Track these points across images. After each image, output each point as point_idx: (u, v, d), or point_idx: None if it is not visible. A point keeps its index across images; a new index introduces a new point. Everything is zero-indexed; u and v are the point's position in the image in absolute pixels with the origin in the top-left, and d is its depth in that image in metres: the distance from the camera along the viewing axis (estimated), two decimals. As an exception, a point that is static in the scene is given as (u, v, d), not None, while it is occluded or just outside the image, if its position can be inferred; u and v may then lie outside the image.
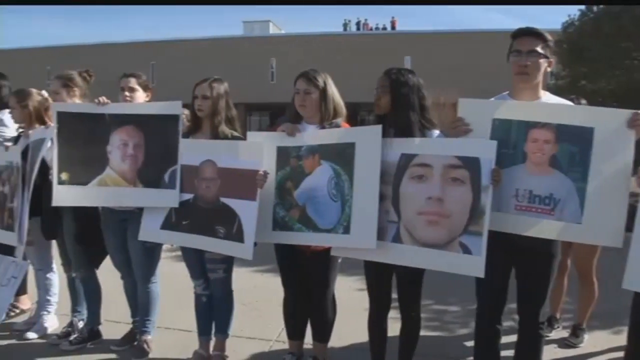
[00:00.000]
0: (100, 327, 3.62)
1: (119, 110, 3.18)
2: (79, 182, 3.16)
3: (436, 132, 2.66)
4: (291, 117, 2.94)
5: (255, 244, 2.84)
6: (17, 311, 4.06)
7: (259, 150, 2.84)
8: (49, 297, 3.79)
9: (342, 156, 2.68)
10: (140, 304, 3.40)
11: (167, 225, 3.09)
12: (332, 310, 3.07)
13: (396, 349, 2.89)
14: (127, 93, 3.27)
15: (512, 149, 2.44)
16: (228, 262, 3.13)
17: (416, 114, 2.62)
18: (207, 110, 3.04)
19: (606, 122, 2.35)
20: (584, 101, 3.68)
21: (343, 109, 2.93)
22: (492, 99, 2.65)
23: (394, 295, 2.86)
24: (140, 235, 3.14)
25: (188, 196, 3.04)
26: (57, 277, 3.84)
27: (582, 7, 17.81)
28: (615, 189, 2.33)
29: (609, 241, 2.40)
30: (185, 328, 3.65)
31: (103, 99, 3.16)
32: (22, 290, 3.97)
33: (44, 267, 3.76)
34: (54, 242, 3.70)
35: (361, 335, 3.11)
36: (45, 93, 3.62)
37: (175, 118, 3.08)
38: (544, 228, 2.41)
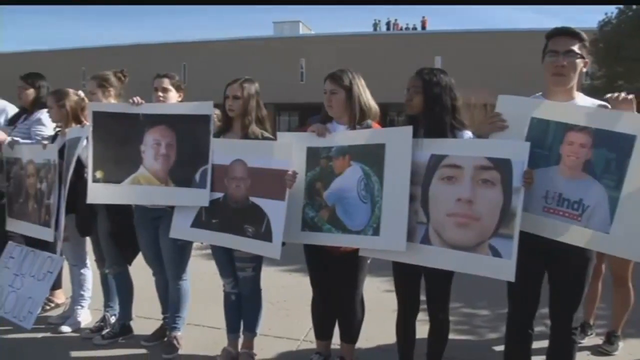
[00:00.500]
0: (132, 323, 3.69)
1: (153, 110, 3.23)
2: (113, 180, 3.22)
3: (467, 133, 2.62)
4: (322, 117, 2.95)
5: (283, 243, 2.86)
6: (52, 305, 4.17)
7: (288, 151, 2.85)
8: (82, 292, 3.89)
9: (372, 157, 2.66)
10: (171, 301, 3.45)
11: (198, 223, 3.13)
12: (360, 311, 3.06)
13: (424, 351, 2.87)
14: (160, 93, 3.32)
15: (548, 149, 2.39)
16: (257, 261, 3.15)
17: (448, 114, 2.60)
18: (238, 110, 3.06)
19: None
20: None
21: (373, 109, 2.90)
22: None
23: (423, 298, 2.83)
24: (171, 232, 3.18)
25: (218, 195, 3.08)
26: (91, 273, 3.93)
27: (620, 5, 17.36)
28: None
29: (637, 256, 2.34)
30: (215, 325, 3.69)
31: (137, 99, 3.22)
32: (57, 284, 4.09)
33: (78, 263, 3.86)
34: (88, 239, 3.79)
35: (389, 337, 3.10)
36: (81, 93, 3.71)
37: (206, 118, 3.12)
38: (569, 233, 2.35)
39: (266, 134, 3.09)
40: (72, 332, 3.73)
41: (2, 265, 3.91)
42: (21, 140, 3.92)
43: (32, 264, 3.71)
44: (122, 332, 3.61)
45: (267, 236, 2.87)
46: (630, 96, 2.30)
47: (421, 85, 2.61)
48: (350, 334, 3.09)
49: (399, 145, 2.58)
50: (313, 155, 2.84)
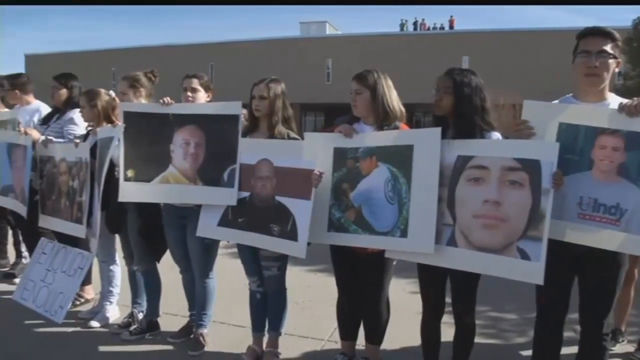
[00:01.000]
0: (159, 319, 3.74)
1: (182, 110, 3.27)
2: (143, 179, 3.27)
3: (495, 134, 2.59)
4: (349, 118, 2.94)
5: (308, 243, 2.86)
6: (82, 300, 4.26)
7: (314, 151, 2.86)
8: (111, 289, 3.96)
9: (399, 158, 2.65)
10: (197, 298, 3.49)
11: (224, 222, 3.16)
12: (385, 313, 3.05)
13: (449, 354, 2.84)
14: (189, 93, 3.35)
15: (578, 155, 2.34)
16: (282, 260, 3.17)
17: (478, 115, 2.56)
18: (264, 110, 3.08)
19: None
20: None
21: (398, 110, 2.87)
22: (556, 101, 2.56)
23: (448, 300, 2.80)
24: (198, 231, 3.22)
25: (244, 194, 3.10)
26: (120, 270, 4.00)
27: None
28: None
29: None
30: (240, 323, 3.71)
31: (167, 99, 3.26)
32: (87, 280, 4.17)
33: (108, 260, 3.92)
34: (117, 236, 3.85)
35: (414, 339, 3.08)
36: (112, 93, 3.78)
37: (235, 118, 3.14)
38: (608, 239, 2.29)
39: (292, 134, 3.10)
40: (100, 327, 3.79)
41: (34, 260, 4.03)
42: (54, 139, 4.01)
43: (64, 260, 3.81)
44: (149, 328, 3.66)
45: (292, 235, 2.88)
46: None
47: (451, 86, 2.58)
48: (375, 335, 3.08)
49: (428, 146, 2.56)
50: (340, 155, 2.83)
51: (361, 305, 3.06)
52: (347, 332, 3.18)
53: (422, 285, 2.83)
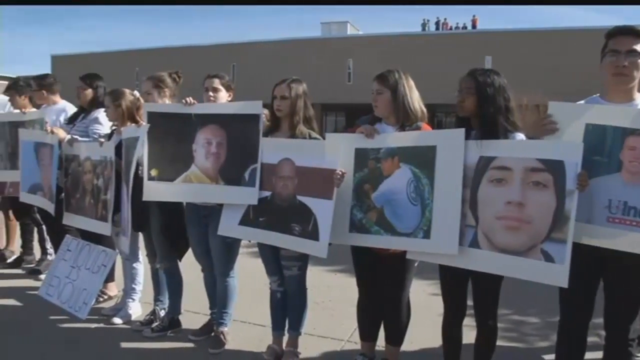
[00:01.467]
0: (180, 317, 3.78)
1: (204, 110, 3.29)
2: (166, 179, 3.30)
3: (520, 135, 2.55)
4: (371, 118, 2.93)
5: (330, 243, 2.85)
6: (105, 297, 4.32)
7: (336, 151, 2.85)
8: (134, 286, 4.01)
9: (422, 159, 2.63)
10: (219, 297, 3.51)
11: (245, 221, 3.18)
12: (406, 314, 3.03)
13: (470, 357, 2.81)
14: (211, 93, 3.38)
15: (607, 156, 2.29)
16: (303, 260, 3.17)
17: (502, 116, 2.53)
18: (286, 110, 3.09)
19: None
20: None
21: (419, 111, 2.84)
22: (582, 101, 2.51)
23: (470, 302, 2.78)
24: (220, 230, 3.24)
25: (266, 194, 3.11)
26: (143, 267, 4.05)
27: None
28: None
29: None
30: (260, 322, 3.74)
31: (190, 99, 3.29)
32: (110, 277, 4.23)
33: (131, 257, 3.97)
34: (140, 234, 3.89)
35: (434, 341, 3.06)
36: (137, 93, 3.82)
37: (256, 117, 3.16)
38: (639, 242, 2.24)
39: (314, 134, 3.10)
40: (123, 323, 3.85)
41: (59, 257, 4.10)
42: (79, 138, 4.08)
43: (88, 257, 3.88)
44: (171, 325, 3.70)
45: (314, 235, 2.88)
46: None
47: (474, 86, 2.55)
48: (396, 336, 3.07)
49: (451, 147, 2.54)
50: (361, 156, 2.83)
51: (382, 306, 3.04)
52: (367, 332, 3.17)
53: (443, 286, 2.81)
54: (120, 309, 3.98)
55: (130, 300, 3.99)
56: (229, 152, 3.22)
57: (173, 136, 3.32)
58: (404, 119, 2.81)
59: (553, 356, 2.70)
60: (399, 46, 28.74)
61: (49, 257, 5.03)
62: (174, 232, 3.57)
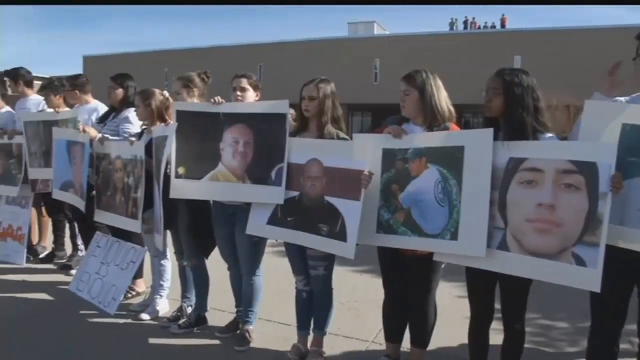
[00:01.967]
0: (207, 314, 3.81)
1: (232, 109, 3.32)
2: (194, 177, 3.34)
3: (551, 135, 2.50)
4: (399, 119, 2.91)
5: (357, 244, 2.84)
6: (134, 293, 4.39)
7: (364, 151, 2.85)
8: (162, 283, 4.07)
9: (450, 160, 2.60)
10: (245, 295, 3.53)
11: (273, 221, 3.19)
12: (433, 316, 3.00)
13: (498, 361, 2.78)
14: (239, 93, 3.40)
15: None
16: (329, 260, 3.17)
17: (531, 116, 2.48)
18: (314, 110, 3.09)
19: None
20: None
21: (447, 111, 2.81)
22: (622, 99, 2.44)
23: (497, 306, 2.73)
24: (248, 229, 3.26)
25: (294, 194, 3.12)
26: (171, 265, 4.10)
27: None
28: None
29: None
30: (285, 322, 3.75)
31: (218, 98, 3.32)
32: (138, 274, 4.30)
33: (159, 255, 4.03)
34: (169, 232, 3.93)
35: (460, 344, 3.03)
36: (166, 93, 3.88)
37: (283, 117, 3.17)
38: None
39: (342, 135, 3.09)
40: (151, 320, 3.91)
41: (90, 253, 4.20)
42: (111, 137, 4.16)
43: (117, 254, 3.95)
44: (198, 322, 3.74)
45: (341, 236, 2.88)
46: None
47: (502, 87, 2.51)
48: (422, 338, 3.04)
49: (480, 148, 2.50)
50: (389, 156, 2.81)
51: (408, 307, 3.02)
52: (392, 334, 3.15)
53: (471, 289, 2.77)
54: (149, 305, 4.04)
55: (158, 297, 4.05)
56: (256, 151, 3.24)
57: (201, 135, 3.35)
58: (432, 120, 2.78)
59: (583, 362, 2.65)
60: (426, 46, 28.51)
61: (80, 253, 5.14)
62: (201, 230, 3.61)
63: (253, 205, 3.26)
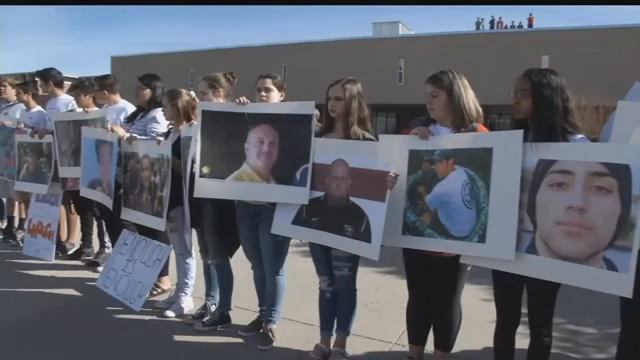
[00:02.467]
0: (230, 313, 3.84)
1: (257, 109, 3.33)
2: (218, 176, 3.36)
3: (581, 136, 2.44)
4: (425, 120, 2.87)
5: (382, 245, 2.83)
6: (159, 290, 4.45)
7: (390, 152, 2.83)
8: (187, 280, 4.11)
9: (478, 162, 2.56)
10: (268, 295, 3.55)
11: (298, 220, 3.20)
12: (457, 319, 2.96)
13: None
14: (263, 93, 3.41)
15: None
16: (353, 261, 3.16)
17: (560, 117, 2.43)
18: (339, 111, 3.08)
19: None
20: None
21: (475, 111, 2.77)
22: None
23: (524, 310, 2.69)
24: (273, 229, 3.27)
25: (319, 194, 3.12)
26: (195, 263, 4.14)
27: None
28: None
29: None
30: (308, 321, 3.75)
31: (243, 98, 3.34)
32: (164, 271, 4.35)
33: (184, 253, 4.07)
34: (194, 230, 3.97)
35: (484, 347, 2.98)
36: (192, 93, 3.92)
37: (308, 118, 3.17)
38: None
39: (368, 135, 3.08)
40: (175, 317, 3.95)
41: (116, 250, 4.27)
42: (138, 136, 4.22)
43: (143, 251, 4.01)
44: (221, 320, 3.77)
45: (366, 236, 2.87)
46: None
47: (530, 88, 2.46)
48: (446, 341, 3.01)
49: (508, 149, 2.46)
50: (415, 158, 2.78)
51: (432, 309, 3.00)
52: (416, 336, 3.12)
53: (497, 293, 2.72)
54: (173, 302, 4.08)
55: (183, 294, 4.09)
56: (281, 151, 3.24)
57: (226, 135, 3.37)
58: (461, 120, 2.74)
59: (612, 369, 2.60)
60: (452, 46, 28.22)
61: (107, 250, 5.23)
62: (226, 229, 3.64)
63: (278, 205, 3.27)
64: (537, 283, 2.47)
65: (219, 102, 3.61)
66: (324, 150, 3.11)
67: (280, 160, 3.25)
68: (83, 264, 5.33)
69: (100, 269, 4.83)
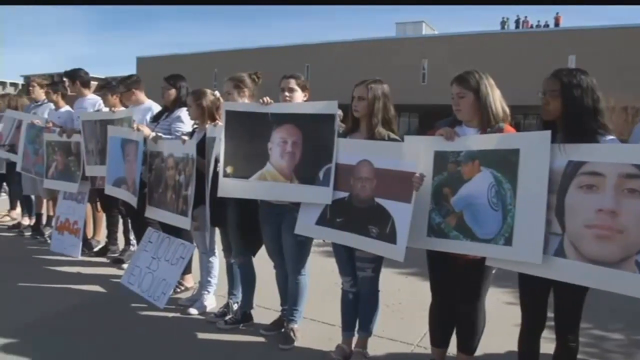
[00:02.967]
0: (252, 311, 3.85)
1: (280, 109, 3.34)
2: (242, 176, 3.38)
3: (611, 137, 2.39)
4: (452, 120, 2.84)
5: (406, 247, 2.80)
6: (182, 288, 4.49)
7: (415, 153, 2.81)
8: (209, 279, 4.14)
9: (504, 163, 2.52)
10: (290, 294, 3.56)
11: (322, 221, 3.19)
12: (481, 322, 2.92)
13: (548, 370, 2.68)
14: (287, 93, 3.42)
15: None
16: (377, 262, 3.15)
17: (590, 118, 2.38)
18: (363, 111, 3.07)
19: None
20: None
21: (501, 110, 2.72)
22: None
23: (550, 314, 2.64)
24: (296, 229, 3.28)
25: (343, 194, 3.11)
26: (218, 262, 4.17)
27: None
28: None
29: None
30: (329, 322, 3.75)
31: (267, 98, 3.35)
32: (187, 269, 4.39)
33: (207, 251, 4.11)
34: (217, 229, 4.00)
35: (508, 351, 2.94)
36: (217, 93, 3.95)
37: (331, 117, 3.16)
38: None
39: (393, 135, 3.06)
40: (198, 314, 3.98)
41: (141, 248, 4.33)
42: (163, 136, 4.27)
43: (167, 249, 4.06)
44: (243, 319, 3.78)
45: (391, 238, 2.85)
46: None
47: (559, 88, 2.42)
48: (469, 344, 2.97)
49: (536, 151, 2.42)
50: (441, 159, 2.75)
51: (456, 312, 2.96)
52: (439, 338, 3.09)
53: (523, 296, 2.68)
54: (196, 300, 4.12)
55: (206, 292, 4.12)
56: (304, 151, 3.25)
57: (249, 135, 3.39)
58: (488, 121, 2.70)
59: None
60: (476, 46, 27.92)
61: (131, 247, 5.31)
62: (249, 228, 3.65)
63: (302, 205, 3.27)
64: (565, 287, 2.42)
65: (242, 102, 3.62)
66: (349, 150, 3.10)
67: (303, 160, 3.25)
68: (108, 261, 5.41)
69: (125, 266, 4.90)
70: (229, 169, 3.41)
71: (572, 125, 2.40)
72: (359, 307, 3.27)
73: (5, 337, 3.48)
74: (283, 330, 3.60)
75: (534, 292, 2.62)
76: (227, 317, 3.81)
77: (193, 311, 4.00)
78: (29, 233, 6.47)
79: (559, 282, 2.43)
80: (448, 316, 3.00)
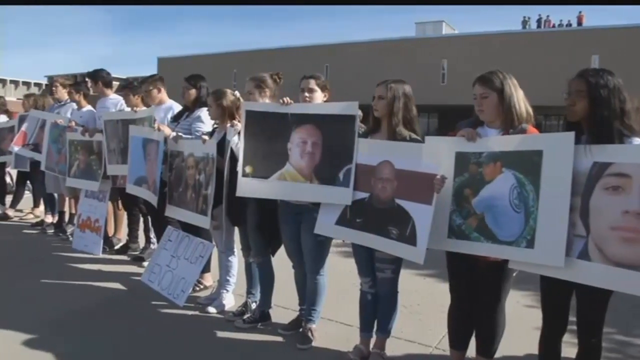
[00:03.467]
0: (271, 311, 3.87)
1: (300, 110, 3.35)
2: (261, 176, 3.39)
3: (637, 139, 2.34)
4: (474, 121, 2.81)
5: (427, 248, 2.78)
6: (202, 287, 4.52)
7: (436, 154, 2.79)
8: (228, 278, 4.17)
9: (527, 165, 2.49)
10: (308, 294, 3.56)
11: (342, 221, 3.19)
12: (501, 326, 2.88)
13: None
14: (307, 94, 3.43)
15: None
16: (397, 263, 3.13)
17: (617, 119, 2.34)
18: (382, 110, 3.06)
19: None
20: None
21: (525, 111, 2.68)
22: None
23: (572, 317, 2.60)
24: (316, 229, 3.28)
25: (364, 195, 3.10)
26: (237, 261, 4.19)
27: None
28: None
29: None
30: (347, 322, 3.74)
31: (287, 99, 3.36)
32: (206, 268, 4.43)
33: (226, 250, 4.13)
34: (236, 228, 4.02)
35: (527, 354, 2.90)
36: (237, 93, 3.97)
37: (352, 118, 3.16)
38: None
39: (414, 136, 3.03)
40: (217, 313, 4.01)
41: (161, 246, 4.37)
42: (184, 135, 4.31)
43: (187, 248, 4.09)
44: (262, 318, 3.80)
45: (411, 240, 2.83)
46: None
47: (586, 89, 2.38)
48: (488, 348, 2.92)
49: (559, 152, 2.38)
50: (462, 160, 2.72)
51: (475, 314, 2.92)
52: (457, 341, 3.06)
53: (544, 299, 2.64)
54: (215, 299, 4.14)
55: (224, 291, 4.15)
56: (324, 151, 3.25)
57: (269, 135, 3.40)
58: (510, 122, 2.66)
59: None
60: (497, 46, 27.58)
61: (152, 246, 5.36)
62: (268, 228, 3.66)
63: (322, 205, 3.27)
64: (588, 290, 2.38)
65: (262, 103, 3.64)
66: (369, 151, 3.09)
67: (323, 161, 3.25)
68: (129, 258, 5.48)
69: (145, 264, 4.96)
70: (248, 169, 3.42)
71: (598, 126, 2.36)
72: (378, 308, 3.26)
73: (28, 333, 3.54)
74: (301, 330, 3.60)
75: (555, 295, 2.58)
76: (246, 316, 3.83)
77: (212, 309, 4.03)
78: (52, 230, 6.60)
79: (581, 285, 2.39)
80: (467, 318, 2.97)
